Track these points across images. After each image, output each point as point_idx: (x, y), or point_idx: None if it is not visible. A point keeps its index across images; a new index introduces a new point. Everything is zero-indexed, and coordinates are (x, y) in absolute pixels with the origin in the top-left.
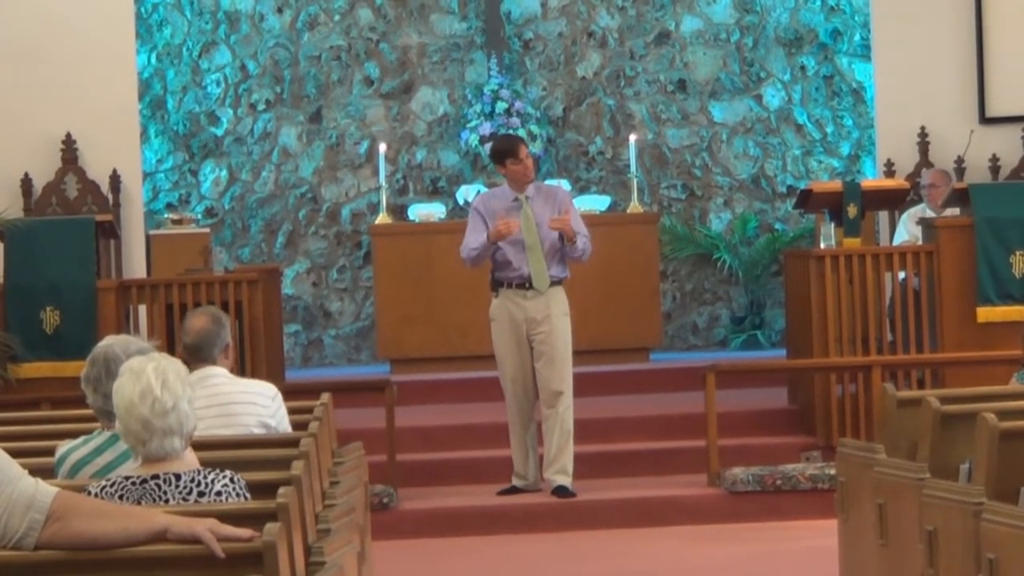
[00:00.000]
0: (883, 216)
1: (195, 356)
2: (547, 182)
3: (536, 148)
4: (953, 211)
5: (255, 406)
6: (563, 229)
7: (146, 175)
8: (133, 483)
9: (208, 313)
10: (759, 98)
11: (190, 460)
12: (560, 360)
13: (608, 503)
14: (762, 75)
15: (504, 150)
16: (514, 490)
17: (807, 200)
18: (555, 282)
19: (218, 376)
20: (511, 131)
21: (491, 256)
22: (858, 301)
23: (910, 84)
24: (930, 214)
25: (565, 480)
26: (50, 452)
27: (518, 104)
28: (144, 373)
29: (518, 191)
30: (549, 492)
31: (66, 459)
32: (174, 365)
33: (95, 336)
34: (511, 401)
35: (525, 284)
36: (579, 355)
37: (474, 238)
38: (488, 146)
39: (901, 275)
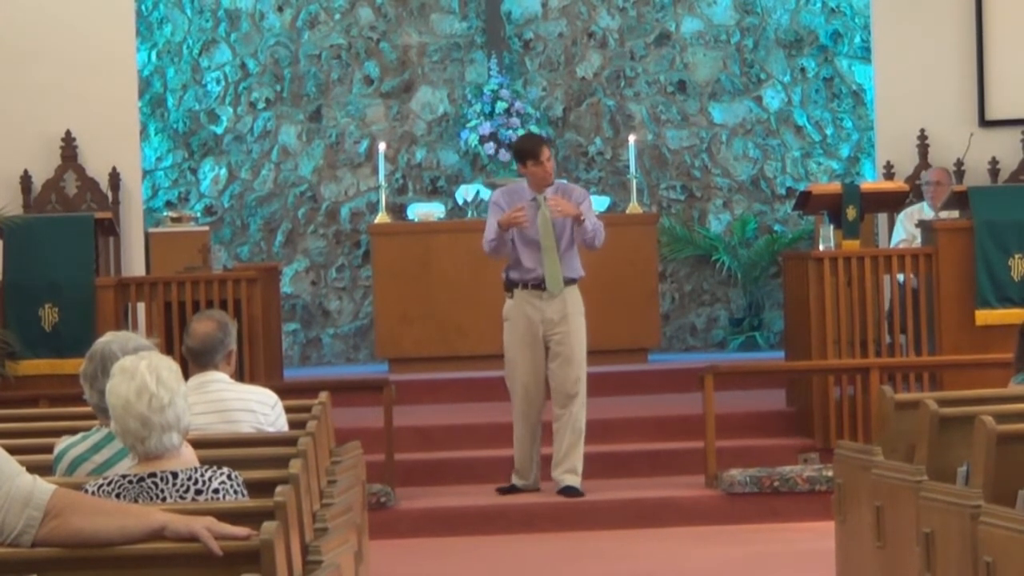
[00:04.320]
0: (882, 218)
1: (197, 361)
2: (561, 182)
3: None
4: (951, 213)
5: (254, 413)
6: (563, 211)
7: (145, 173)
8: (130, 481)
9: (214, 318)
10: (759, 100)
11: (188, 457)
12: (576, 360)
13: (605, 504)
14: (762, 77)
15: (526, 151)
16: (513, 489)
17: (806, 202)
18: (570, 282)
19: (218, 382)
20: (511, 131)
21: (510, 253)
22: (856, 303)
23: (910, 86)
24: (928, 213)
25: (574, 480)
26: (48, 449)
27: (518, 104)
28: (138, 371)
29: (536, 191)
30: (554, 492)
31: (64, 456)
32: (165, 361)
33: (94, 333)
34: (520, 403)
35: (541, 285)
36: None
37: (491, 229)
38: (488, 145)
39: (900, 278)
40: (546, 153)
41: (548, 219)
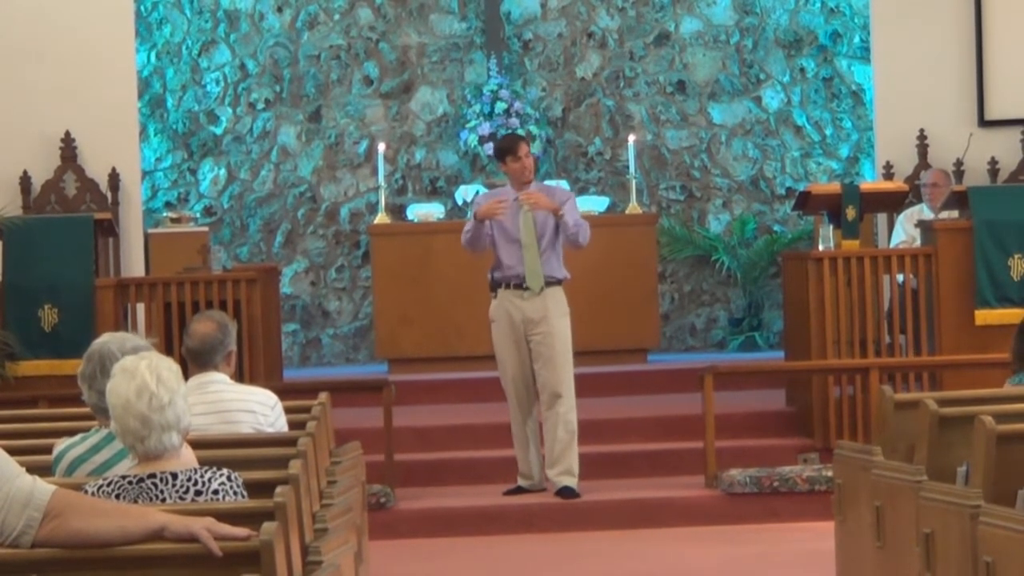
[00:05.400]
0: (882, 218)
1: (197, 361)
2: (546, 183)
3: (535, 149)
4: (951, 213)
5: (254, 414)
6: (536, 203)
7: (145, 174)
8: (130, 482)
9: (214, 319)
10: (758, 100)
11: (188, 458)
12: (559, 361)
13: (605, 504)
14: (761, 77)
15: (504, 148)
16: (520, 490)
17: (806, 202)
18: (552, 283)
19: (218, 383)
20: (512, 131)
21: (493, 253)
22: (856, 303)
23: (909, 86)
24: (927, 215)
25: (571, 481)
26: (48, 450)
27: (517, 104)
28: (138, 371)
29: (518, 190)
30: (553, 493)
31: (63, 457)
32: (166, 362)
33: (93, 334)
34: (512, 401)
35: (522, 284)
36: (577, 356)
37: (469, 222)
38: (488, 146)
39: (899, 278)
40: (524, 149)
41: (530, 218)
